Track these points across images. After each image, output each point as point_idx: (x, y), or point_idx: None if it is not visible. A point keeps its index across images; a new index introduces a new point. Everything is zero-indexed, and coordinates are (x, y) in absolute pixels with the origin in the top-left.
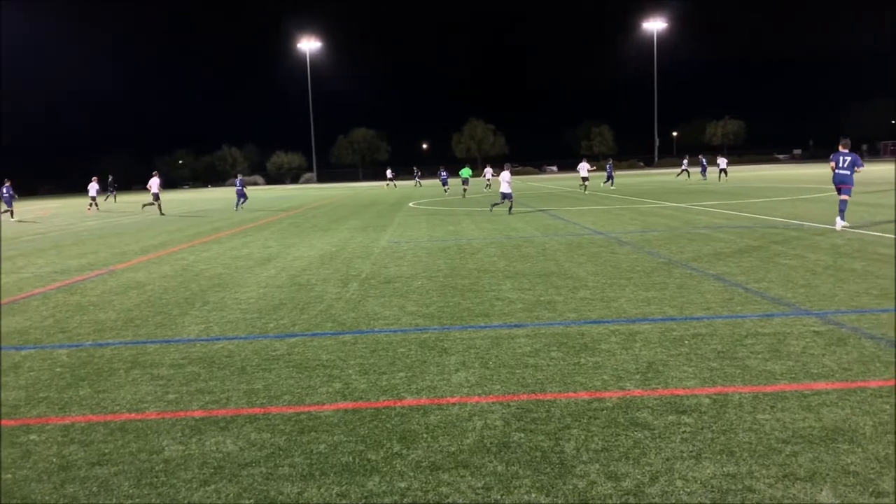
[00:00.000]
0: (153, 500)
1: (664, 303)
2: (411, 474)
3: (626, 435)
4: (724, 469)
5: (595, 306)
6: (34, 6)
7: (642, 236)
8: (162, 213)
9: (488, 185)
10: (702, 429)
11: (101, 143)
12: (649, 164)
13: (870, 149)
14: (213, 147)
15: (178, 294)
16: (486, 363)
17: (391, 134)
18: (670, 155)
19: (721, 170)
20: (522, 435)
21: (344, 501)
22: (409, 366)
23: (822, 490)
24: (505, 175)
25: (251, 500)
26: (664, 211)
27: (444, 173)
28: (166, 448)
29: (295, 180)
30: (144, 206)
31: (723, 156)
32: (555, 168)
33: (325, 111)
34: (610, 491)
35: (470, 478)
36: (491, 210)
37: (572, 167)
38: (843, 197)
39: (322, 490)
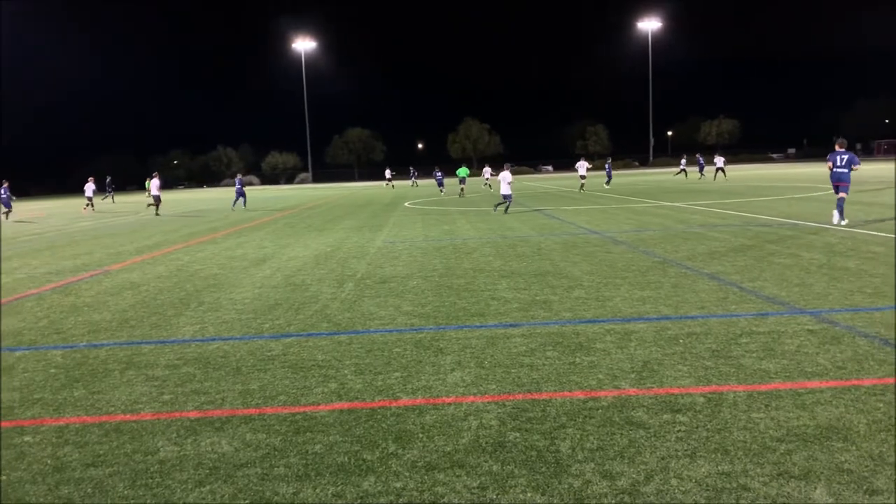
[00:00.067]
0: (148, 501)
1: (659, 302)
2: (407, 474)
3: (622, 434)
4: (719, 468)
5: (590, 305)
6: (28, 6)
7: (637, 235)
8: (157, 214)
9: (487, 185)
10: (696, 427)
11: (95, 144)
12: (644, 163)
13: (863, 148)
14: (208, 147)
15: (173, 294)
16: (481, 363)
17: (386, 134)
18: (665, 154)
19: (718, 168)
20: (518, 434)
21: (339, 502)
22: (405, 366)
23: (816, 488)
24: (506, 175)
25: (246, 501)
26: (659, 210)
27: (440, 174)
28: (161, 449)
29: (290, 180)
30: (149, 206)
31: (720, 154)
32: (550, 168)
33: (320, 111)
34: (605, 490)
35: (465, 477)
36: (494, 210)
37: (568, 167)
38: (842, 195)
39: (318, 490)
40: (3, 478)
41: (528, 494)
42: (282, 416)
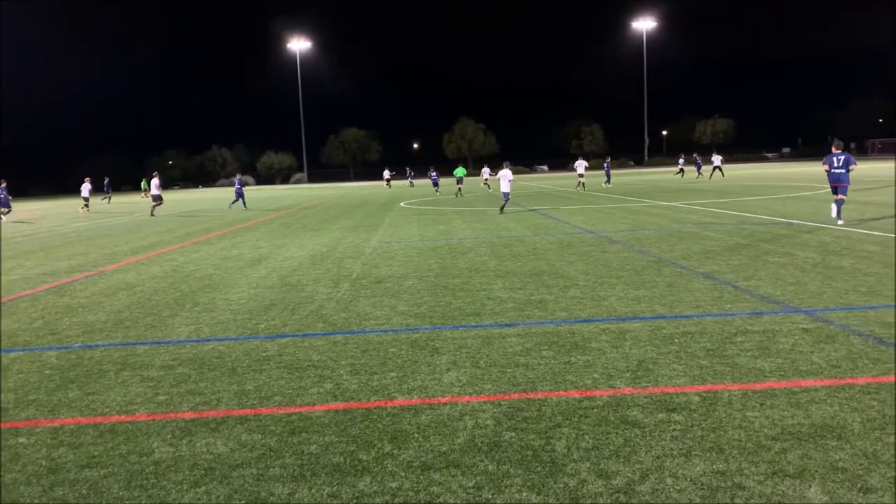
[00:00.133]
0: (143, 502)
1: (654, 301)
2: (402, 474)
3: (617, 433)
4: (714, 466)
5: (586, 305)
6: (28, 6)
7: (632, 235)
8: (152, 215)
9: (486, 184)
10: (692, 426)
11: (90, 145)
12: (639, 163)
13: (858, 147)
14: (203, 147)
15: (169, 295)
16: (477, 363)
17: (382, 134)
18: (660, 154)
19: (715, 167)
20: (513, 434)
21: (335, 502)
22: (401, 366)
23: (810, 487)
24: (506, 173)
25: (242, 502)
26: (654, 210)
27: (435, 173)
28: (156, 450)
29: (286, 180)
30: (155, 207)
31: (717, 153)
32: (545, 167)
33: (315, 111)
34: (601, 489)
35: (461, 477)
36: (501, 212)
37: (563, 166)
38: (840, 196)
39: (313, 491)
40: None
41: (524, 494)
42: (277, 417)
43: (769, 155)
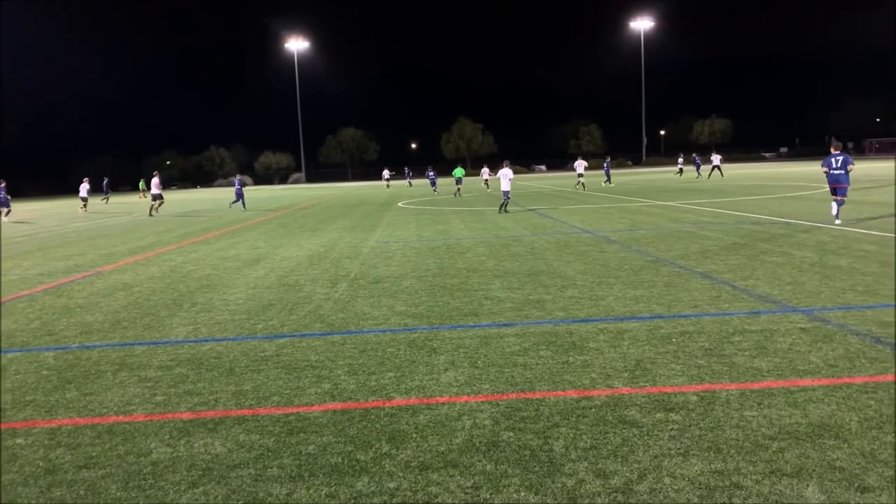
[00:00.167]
0: (141, 502)
1: (652, 301)
2: (400, 474)
3: (615, 433)
4: (712, 466)
5: (583, 305)
6: (28, 6)
7: (630, 235)
8: (150, 215)
9: (486, 183)
10: (689, 426)
11: (89, 145)
12: (637, 162)
13: (855, 147)
14: (201, 147)
15: (166, 295)
16: (475, 362)
17: (380, 134)
18: (658, 153)
19: (714, 166)
20: (511, 434)
21: (333, 502)
22: (399, 366)
23: (808, 486)
24: (507, 172)
25: (240, 502)
26: (652, 209)
27: (433, 173)
28: (154, 450)
29: (283, 180)
30: (159, 206)
31: (717, 153)
32: (543, 167)
33: (313, 111)
34: (598, 489)
35: (459, 477)
36: (506, 212)
37: (561, 166)
38: (840, 197)
39: (311, 491)
40: None
41: (522, 494)
42: (275, 417)
43: (767, 155)
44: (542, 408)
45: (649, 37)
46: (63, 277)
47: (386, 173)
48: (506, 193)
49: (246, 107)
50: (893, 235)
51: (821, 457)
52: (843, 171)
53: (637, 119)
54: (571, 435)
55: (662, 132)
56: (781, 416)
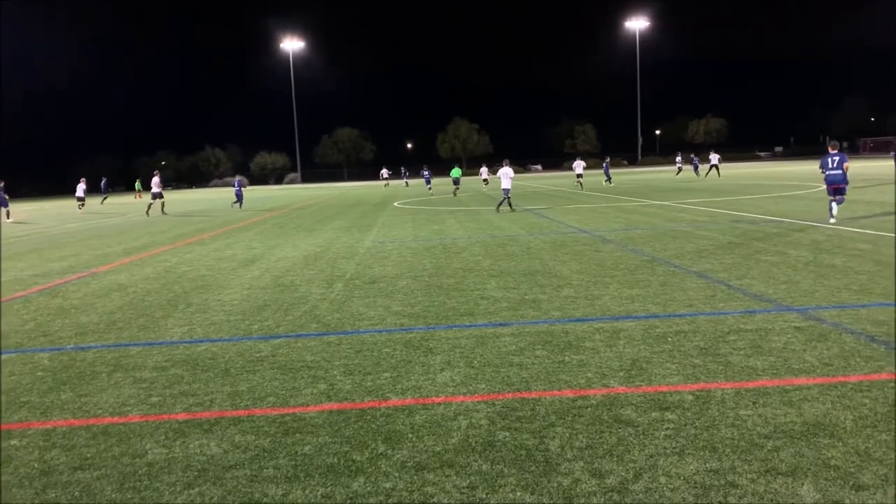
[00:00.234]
0: None
1: (647, 300)
2: (396, 474)
3: (610, 432)
4: (707, 465)
5: (579, 304)
6: (27, 6)
7: (626, 234)
8: (147, 215)
9: (485, 182)
10: (685, 425)
11: (83, 145)
12: (633, 162)
13: (850, 146)
14: (196, 148)
15: (161, 296)
16: (471, 362)
17: (376, 134)
18: (653, 153)
19: (712, 165)
20: (507, 434)
21: (329, 503)
22: (394, 366)
23: (803, 484)
24: (508, 171)
25: (235, 503)
26: (648, 209)
27: (427, 172)
28: (149, 451)
29: (279, 181)
30: (162, 207)
31: (715, 152)
32: (539, 167)
33: (308, 111)
34: (594, 488)
35: (455, 477)
36: (513, 210)
37: (557, 166)
38: (840, 197)
39: (307, 491)
40: None
41: (518, 493)
42: (271, 418)
43: (762, 154)
44: (537, 407)
45: (644, 36)
46: (58, 278)
47: (384, 172)
48: (506, 191)
49: (241, 107)
50: (887, 234)
51: (816, 455)
52: (840, 171)
53: (632, 118)
54: (567, 434)
55: (658, 132)
56: (776, 414)
